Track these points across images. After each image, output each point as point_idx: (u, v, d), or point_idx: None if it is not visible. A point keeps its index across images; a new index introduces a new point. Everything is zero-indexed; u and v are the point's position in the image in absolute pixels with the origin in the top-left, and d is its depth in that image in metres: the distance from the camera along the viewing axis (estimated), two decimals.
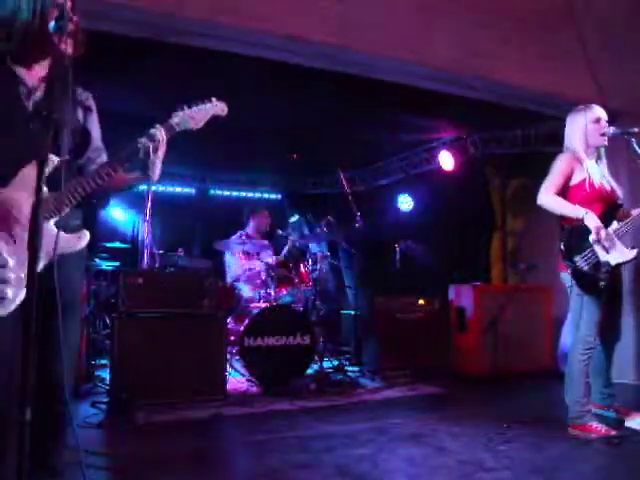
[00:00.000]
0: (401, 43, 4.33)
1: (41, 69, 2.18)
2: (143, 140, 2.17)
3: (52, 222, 2.05)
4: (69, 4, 2.08)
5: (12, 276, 1.97)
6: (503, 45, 4.74)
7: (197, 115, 2.31)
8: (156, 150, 2.19)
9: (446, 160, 7.10)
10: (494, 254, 7.70)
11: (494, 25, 4.69)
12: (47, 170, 1.73)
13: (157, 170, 2.26)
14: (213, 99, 2.36)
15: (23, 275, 1.95)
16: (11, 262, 1.98)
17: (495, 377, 5.26)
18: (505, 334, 5.39)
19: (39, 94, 2.14)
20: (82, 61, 2.14)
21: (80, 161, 2.30)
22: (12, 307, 1.96)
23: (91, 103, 2.37)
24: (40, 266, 1.88)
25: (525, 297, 5.72)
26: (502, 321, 5.35)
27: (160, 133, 2.19)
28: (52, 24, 1.95)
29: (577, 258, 3.39)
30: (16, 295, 1.96)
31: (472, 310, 5.64)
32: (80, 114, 2.30)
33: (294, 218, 7.19)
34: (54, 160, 1.99)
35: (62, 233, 2.04)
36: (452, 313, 5.88)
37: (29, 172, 2.01)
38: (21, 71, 2.14)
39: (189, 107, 2.30)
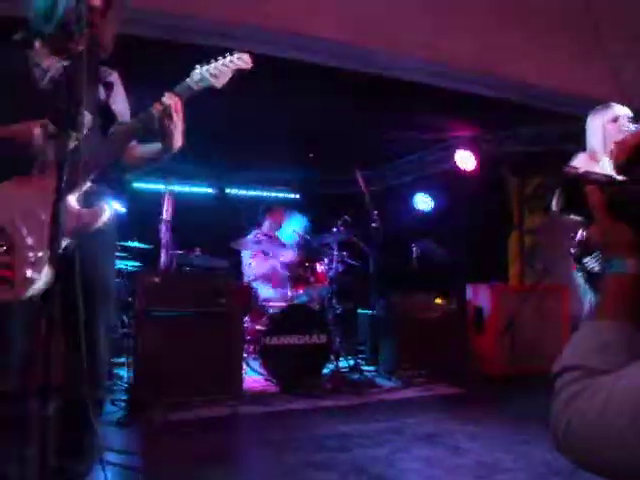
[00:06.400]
0: (418, 41, 4.31)
1: (58, 57, 2.20)
2: (154, 107, 2.10)
3: (72, 198, 2.02)
4: (98, 4, 2.12)
5: (31, 255, 1.95)
6: (522, 42, 4.70)
7: (217, 71, 2.18)
8: (170, 116, 2.10)
9: (463, 159, 7.06)
10: (511, 253, 7.66)
11: (513, 22, 4.64)
12: (69, 145, 1.68)
13: (177, 138, 2.17)
14: (235, 52, 2.24)
15: (41, 254, 1.95)
16: (29, 241, 1.96)
17: (512, 377, 5.23)
18: (523, 334, 5.36)
19: (52, 73, 2.15)
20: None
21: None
22: (33, 288, 1.94)
23: (113, 79, 2.34)
24: (62, 245, 1.85)
25: (542, 297, 5.68)
26: (520, 321, 5.31)
27: (172, 98, 2.10)
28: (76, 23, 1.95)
29: (587, 259, 3.35)
30: (36, 275, 1.94)
31: (489, 310, 5.61)
32: (101, 91, 2.27)
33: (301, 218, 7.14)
34: (74, 136, 1.89)
35: (81, 208, 2.03)
36: (469, 313, 5.85)
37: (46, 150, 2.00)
38: (36, 56, 2.17)
39: (208, 63, 2.18)
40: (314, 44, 4.11)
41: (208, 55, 2.23)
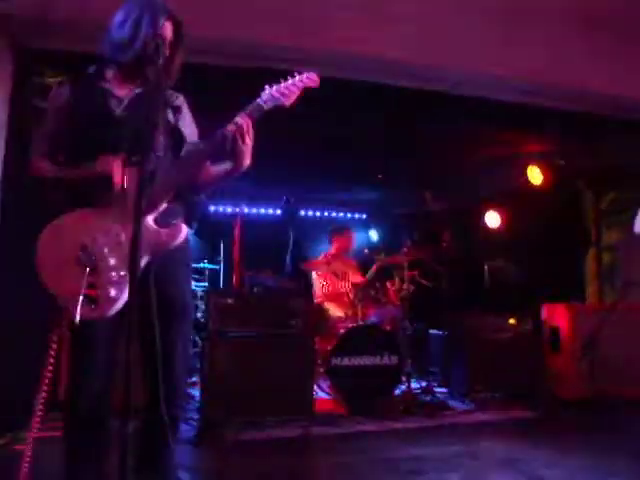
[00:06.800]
0: (487, 57, 4.25)
1: (130, 85, 2.31)
2: (228, 128, 2.16)
3: (149, 218, 2.10)
4: (169, 37, 2.23)
5: (114, 275, 2.03)
6: (596, 53, 4.56)
7: (287, 90, 2.24)
8: (243, 136, 2.17)
9: (535, 175, 6.89)
10: (589, 271, 7.39)
11: (585, 33, 4.52)
12: (148, 168, 1.76)
13: (246, 158, 2.23)
14: (304, 72, 2.30)
15: (123, 273, 2.03)
16: (112, 261, 2.04)
17: (591, 401, 4.99)
18: (603, 356, 5.12)
19: (127, 102, 2.27)
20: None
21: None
22: (115, 307, 2.02)
23: (180, 103, 2.43)
24: (142, 263, 1.94)
25: (626, 314, 5.41)
26: (599, 342, 5.08)
27: (244, 118, 2.17)
28: (152, 54, 2.03)
29: None
30: (119, 294, 2.02)
31: (566, 330, 5.42)
32: (170, 115, 2.36)
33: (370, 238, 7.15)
34: (152, 159, 1.97)
35: (159, 228, 2.11)
36: (545, 333, 5.66)
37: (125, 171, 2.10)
38: (110, 86, 2.29)
39: (277, 83, 2.25)
40: (379, 64, 4.12)
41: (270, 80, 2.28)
